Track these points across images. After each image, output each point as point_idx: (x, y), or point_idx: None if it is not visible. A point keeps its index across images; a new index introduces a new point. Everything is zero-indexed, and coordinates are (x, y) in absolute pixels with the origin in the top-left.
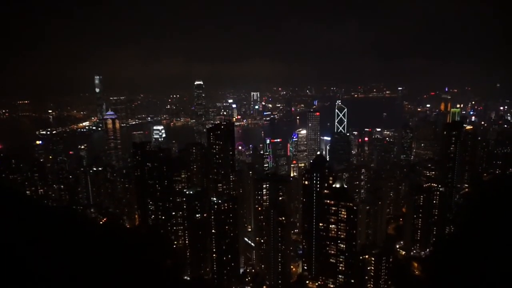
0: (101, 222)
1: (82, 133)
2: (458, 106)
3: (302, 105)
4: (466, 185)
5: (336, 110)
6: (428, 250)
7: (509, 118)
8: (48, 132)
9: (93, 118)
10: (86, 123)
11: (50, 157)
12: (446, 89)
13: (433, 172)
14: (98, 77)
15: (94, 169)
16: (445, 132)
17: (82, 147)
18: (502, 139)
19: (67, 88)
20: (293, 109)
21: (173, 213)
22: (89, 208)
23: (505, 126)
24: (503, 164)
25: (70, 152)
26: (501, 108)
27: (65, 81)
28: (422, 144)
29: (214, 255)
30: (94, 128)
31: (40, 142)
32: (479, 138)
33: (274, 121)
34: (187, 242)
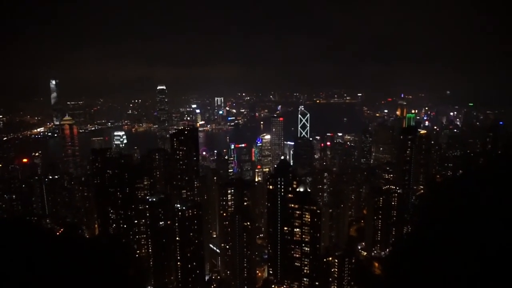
0: (57, 233)
1: (37, 139)
2: (413, 111)
3: (266, 111)
4: (422, 187)
5: (299, 115)
6: (387, 250)
7: (458, 123)
8: None
9: (48, 123)
10: (41, 129)
11: (0, 165)
12: (402, 95)
13: (391, 175)
14: (54, 81)
15: (50, 177)
16: (401, 137)
17: (37, 154)
18: (452, 142)
19: (20, 92)
20: (257, 114)
21: (136, 221)
22: (44, 218)
23: (455, 130)
24: (454, 166)
25: (24, 160)
26: (451, 113)
27: (17, 85)
28: (381, 148)
29: (178, 263)
30: (49, 134)
31: None
32: (432, 142)
33: (238, 126)
34: (150, 250)
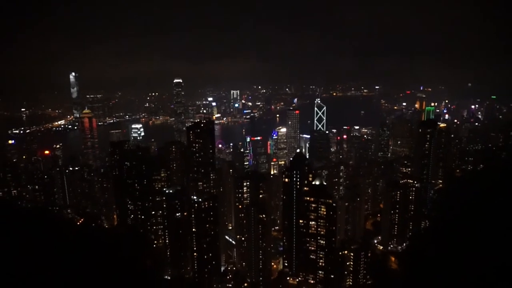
0: (78, 223)
1: (58, 132)
2: (432, 104)
3: (282, 103)
4: (440, 181)
5: (315, 108)
6: (404, 244)
7: (479, 116)
8: (21, 131)
9: (69, 116)
10: (62, 122)
11: (24, 157)
12: (421, 88)
13: (409, 169)
14: (73, 74)
15: (71, 168)
16: (420, 130)
17: (58, 146)
18: (473, 136)
19: (41, 85)
20: (272, 107)
21: (153, 212)
22: (65, 208)
23: (476, 124)
24: (474, 161)
25: (46, 152)
26: (472, 106)
27: (39, 79)
28: (399, 142)
29: (194, 254)
30: (70, 126)
31: (13, 141)
32: (452, 136)
33: (254, 119)
34: (167, 241)
